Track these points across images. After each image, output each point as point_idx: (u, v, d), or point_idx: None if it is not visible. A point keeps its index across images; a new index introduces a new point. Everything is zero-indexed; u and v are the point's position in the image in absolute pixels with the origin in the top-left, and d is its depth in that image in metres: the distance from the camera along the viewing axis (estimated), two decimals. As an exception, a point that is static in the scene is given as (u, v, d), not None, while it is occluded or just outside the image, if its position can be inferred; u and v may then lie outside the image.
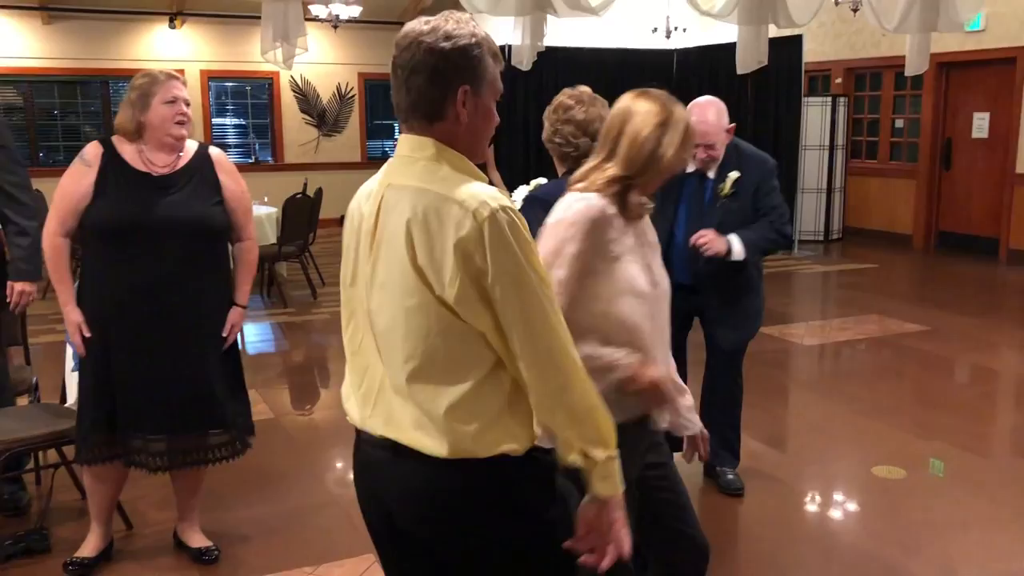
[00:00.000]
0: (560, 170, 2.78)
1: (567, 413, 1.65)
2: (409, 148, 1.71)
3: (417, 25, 1.67)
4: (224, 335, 3.21)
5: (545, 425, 1.69)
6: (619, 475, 1.71)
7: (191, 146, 3.21)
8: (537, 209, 2.34)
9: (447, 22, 1.66)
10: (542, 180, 3.15)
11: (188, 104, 3.14)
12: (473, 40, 1.66)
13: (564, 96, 2.79)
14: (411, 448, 1.70)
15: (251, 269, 3.34)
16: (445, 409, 1.65)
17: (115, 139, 3.14)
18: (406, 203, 1.65)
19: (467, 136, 1.70)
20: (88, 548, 3.31)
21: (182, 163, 3.15)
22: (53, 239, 3.08)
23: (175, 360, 3.10)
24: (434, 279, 1.61)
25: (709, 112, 3.54)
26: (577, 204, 2.10)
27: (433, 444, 1.67)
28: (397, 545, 1.86)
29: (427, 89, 1.65)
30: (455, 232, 1.58)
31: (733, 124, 3.61)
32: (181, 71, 12.10)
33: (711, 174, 3.65)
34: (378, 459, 1.81)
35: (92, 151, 3.10)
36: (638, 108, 2.17)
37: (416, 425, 1.69)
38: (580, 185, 2.18)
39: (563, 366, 1.64)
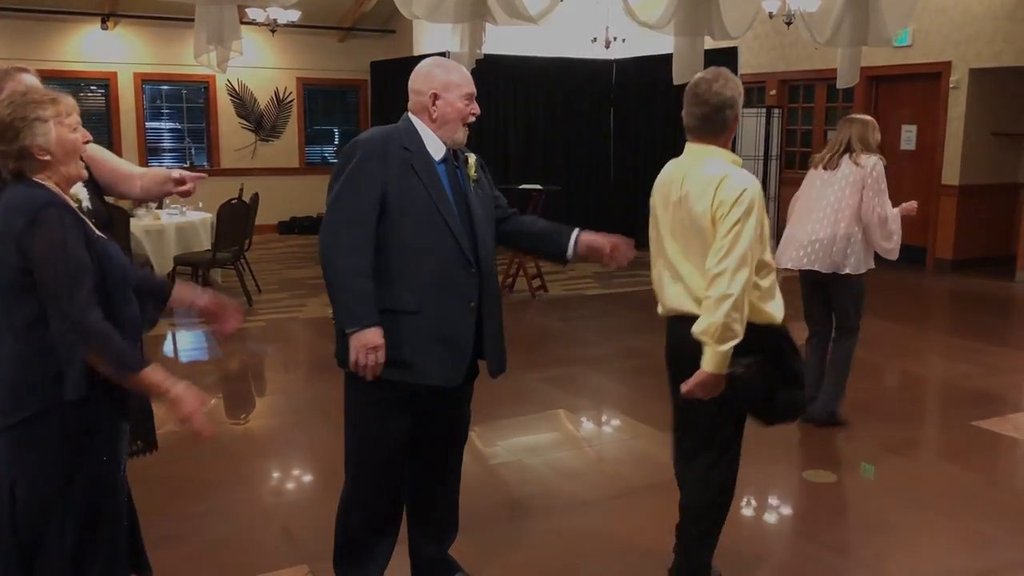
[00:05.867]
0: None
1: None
2: (702, 150, 2.90)
3: (707, 84, 2.86)
4: None
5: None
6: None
7: None
8: None
9: (728, 79, 2.89)
10: None
11: None
12: (736, 81, 2.92)
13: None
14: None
15: None
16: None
17: None
18: (701, 182, 2.82)
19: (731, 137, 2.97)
20: None
21: None
22: None
23: None
24: (709, 223, 2.79)
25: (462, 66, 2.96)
26: None
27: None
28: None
29: (723, 118, 2.87)
30: (721, 197, 2.75)
31: None
32: (114, 73, 11.88)
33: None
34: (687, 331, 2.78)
35: None
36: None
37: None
38: None
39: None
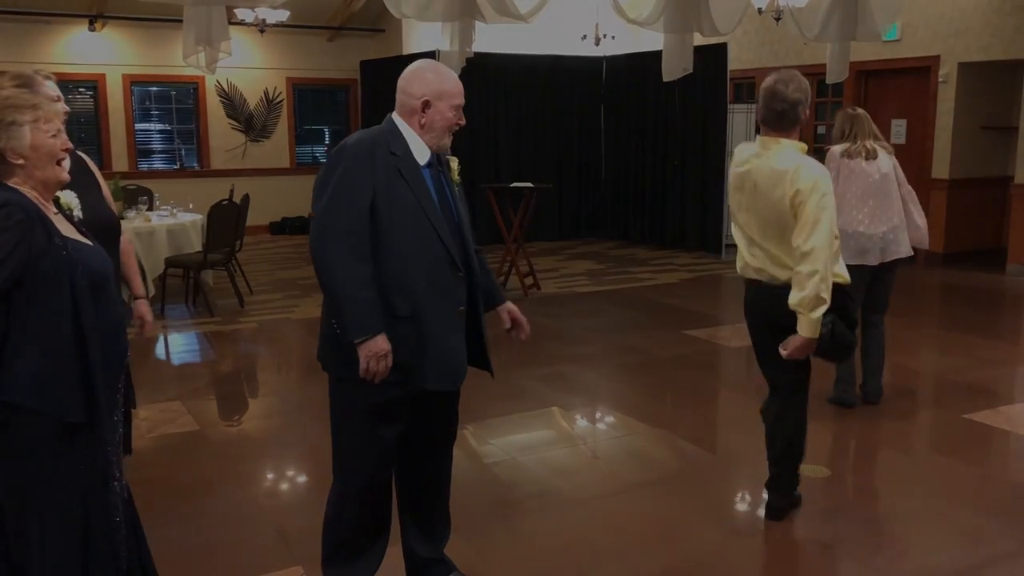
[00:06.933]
0: None
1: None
2: (775, 143, 3.41)
3: (784, 84, 3.37)
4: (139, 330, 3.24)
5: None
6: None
7: None
8: None
9: (800, 80, 3.42)
10: None
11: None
12: (806, 82, 3.45)
13: None
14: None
15: (135, 262, 3.48)
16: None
17: None
18: (776, 172, 3.35)
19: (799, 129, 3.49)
20: None
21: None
22: None
23: None
24: (787, 207, 3.32)
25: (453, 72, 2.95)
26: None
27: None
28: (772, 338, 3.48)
29: (797, 113, 3.38)
30: (797, 186, 3.27)
31: None
32: (102, 75, 11.83)
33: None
34: (766, 294, 3.50)
35: None
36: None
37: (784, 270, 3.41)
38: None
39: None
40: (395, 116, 2.84)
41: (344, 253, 2.66)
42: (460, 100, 2.85)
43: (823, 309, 3.26)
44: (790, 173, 3.29)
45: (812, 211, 3.24)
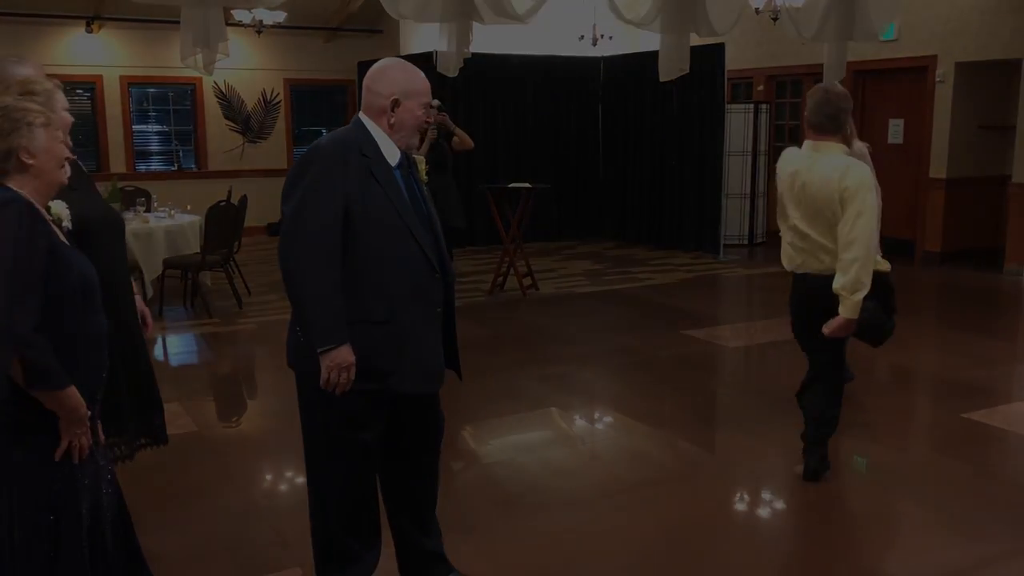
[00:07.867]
0: None
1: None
2: (825, 145, 3.83)
3: (835, 95, 3.82)
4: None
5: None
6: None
7: None
8: None
9: (844, 90, 3.90)
10: None
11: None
12: (849, 95, 3.92)
13: None
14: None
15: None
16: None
17: None
18: (827, 171, 3.74)
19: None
20: None
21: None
22: None
23: (124, 356, 3.13)
24: (836, 201, 3.72)
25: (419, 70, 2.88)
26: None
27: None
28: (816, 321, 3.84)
29: (845, 118, 3.84)
30: (846, 183, 3.68)
31: None
32: (99, 76, 11.82)
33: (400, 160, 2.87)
34: (813, 283, 3.87)
35: None
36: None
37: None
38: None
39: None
40: (363, 116, 2.80)
41: (312, 259, 2.62)
42: (428, 98, 2.83)
43: (863, 293, 3.66)
44: (841, 171, 3.72)
45: (858, 205, 3.65)
